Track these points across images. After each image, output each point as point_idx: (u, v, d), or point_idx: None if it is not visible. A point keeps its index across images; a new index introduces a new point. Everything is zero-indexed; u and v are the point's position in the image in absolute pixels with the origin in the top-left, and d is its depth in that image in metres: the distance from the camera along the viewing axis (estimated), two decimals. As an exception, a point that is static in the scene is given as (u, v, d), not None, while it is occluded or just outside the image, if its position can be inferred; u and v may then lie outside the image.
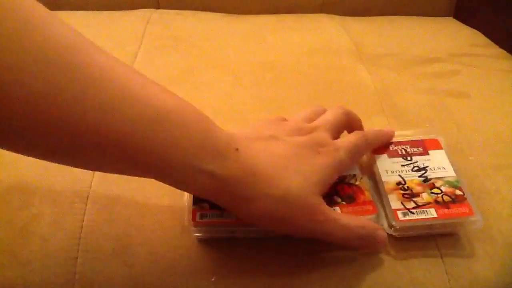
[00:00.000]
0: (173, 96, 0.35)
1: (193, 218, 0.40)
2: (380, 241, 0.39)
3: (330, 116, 0.44)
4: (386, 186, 0.43)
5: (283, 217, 0.37)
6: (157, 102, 0.33)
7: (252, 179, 0.36)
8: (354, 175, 0.44)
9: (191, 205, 0.41)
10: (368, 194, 0.42)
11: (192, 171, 0.34)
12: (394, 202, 0.42)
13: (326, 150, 0.40)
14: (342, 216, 0.39)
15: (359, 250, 0.41)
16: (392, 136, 0.48)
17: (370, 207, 0.41)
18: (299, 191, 0.37)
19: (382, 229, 0.40)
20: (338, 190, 0.43)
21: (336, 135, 0.44)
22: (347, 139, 0.43)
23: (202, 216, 0.40)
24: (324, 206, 0.38)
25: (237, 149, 0.36)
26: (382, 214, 0.42)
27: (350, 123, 0.46)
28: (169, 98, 0.34)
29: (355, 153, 0.43)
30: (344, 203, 0.42)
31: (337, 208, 0.41)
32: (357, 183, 0.43)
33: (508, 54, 0.71)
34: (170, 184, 0.36)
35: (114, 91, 0.31)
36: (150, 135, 0.32)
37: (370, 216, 0.41)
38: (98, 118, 0.30)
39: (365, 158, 0.47)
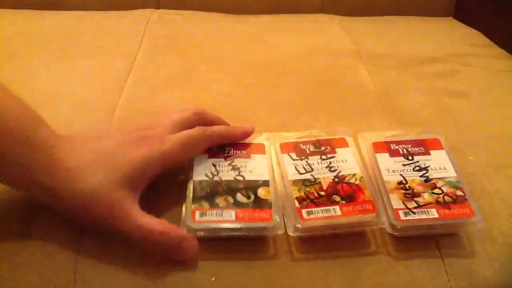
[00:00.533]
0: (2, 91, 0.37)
1: (193, 218, 0.40)
2: (186, 253, 0.38)
3: (175, 115, 0.45)
4: (388, 186, 0.43)
5: (82, 210, 0.38)
6: None
7: (60, 173, 0.37)
8: (354, 174, 0.44)
9: (191, 204, 0.41)
10: (368, 194, 0.42)
11: (10, 165, 0.36)
12: (396, 201, 0.42)
13: (149, 143, 0.40)
14: (144, 217, 0.38)
15: (162, 255, 0.39)
16: (247, 133, 0.47)
17: (369, 207, 0.41)
18: (100, 186, 0.37)
19: (193, 239, 0.38)
20: (338, 189, 0.43)
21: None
22: (183, 132, 0.43)
23: (202, 215, 0.40)
24: (126, 202, 0.38)
25: (52, 146, 0.38)
26: (383, 213, 0.42)
27: (203, 120, 0.45)
28: None
29: (187, 145, 0.42)
30: (343, 202, 0.42)
31: (337, 208, 0.41)
32: (357, 182, 0.43)
33: (508, 54, 0.71)
34: None
35: None
36: None
37: (369, 215, 0.41)
38: None
39: (366, 158, 0.47)
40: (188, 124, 0.44)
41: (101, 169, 0.38)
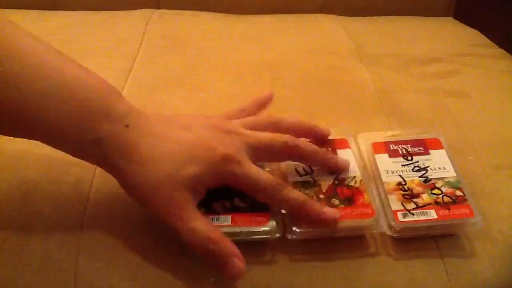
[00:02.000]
0: (78, 67, 0.38)
1: None
2: (231, 270, 0.37)
3: (253, 117, 0.45)
4: (387, 187, 0.43)
5: (142, 199, 0.38)
6: (61, 74, 0.37)
7: (134, 158, 0.37)
8: (354, 177, 0.44)
9: None
10: (367, 197, 0.42)
11: (83, 138, 0.37)
12: (394, 203, 0.42)
13: (229, 141, 0.40)
14: (198, 220, 0.37)
15: (207, 261, 0.38)
16: (343, 166, 0.44)
17: (368, 210, 0.41)
18: (163, 181, 0.37)
19: (241, 259, 0.37)
20: (337, 192, 0.43)
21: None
22: (263, 133, 0.42)
23: None
24: (183, 202, 0.38)
25: (127, 126, 0.38)
26: (382, 214, 0.42)
27: (278, 127, 0.44)
28: (74, 69, 0.38)
29: (264, 149, 0.41)
30: (342, 205, 0.41)
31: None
32: (356, 185, 0.43)
33: (508, 54, 0.71)
34: (59, 148, 0.38)
35: (22, 67, 0.35)
36: (49, 106, 0.36)
37: (368, 220, 0.41)
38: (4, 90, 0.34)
39: (366, 158, 0.47)
40: (262, 126, 0.43)
41: (171, 163, 0.38)
